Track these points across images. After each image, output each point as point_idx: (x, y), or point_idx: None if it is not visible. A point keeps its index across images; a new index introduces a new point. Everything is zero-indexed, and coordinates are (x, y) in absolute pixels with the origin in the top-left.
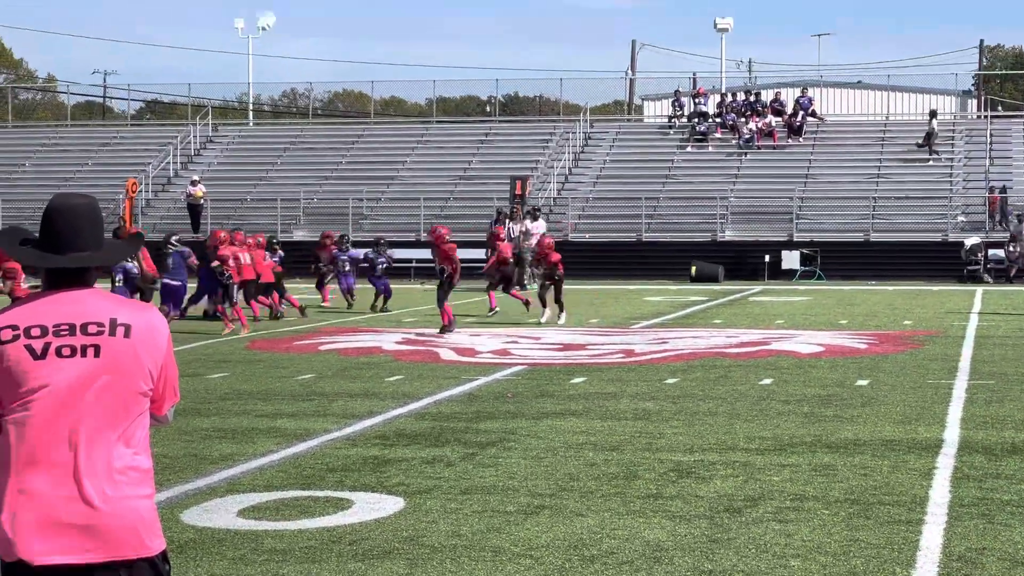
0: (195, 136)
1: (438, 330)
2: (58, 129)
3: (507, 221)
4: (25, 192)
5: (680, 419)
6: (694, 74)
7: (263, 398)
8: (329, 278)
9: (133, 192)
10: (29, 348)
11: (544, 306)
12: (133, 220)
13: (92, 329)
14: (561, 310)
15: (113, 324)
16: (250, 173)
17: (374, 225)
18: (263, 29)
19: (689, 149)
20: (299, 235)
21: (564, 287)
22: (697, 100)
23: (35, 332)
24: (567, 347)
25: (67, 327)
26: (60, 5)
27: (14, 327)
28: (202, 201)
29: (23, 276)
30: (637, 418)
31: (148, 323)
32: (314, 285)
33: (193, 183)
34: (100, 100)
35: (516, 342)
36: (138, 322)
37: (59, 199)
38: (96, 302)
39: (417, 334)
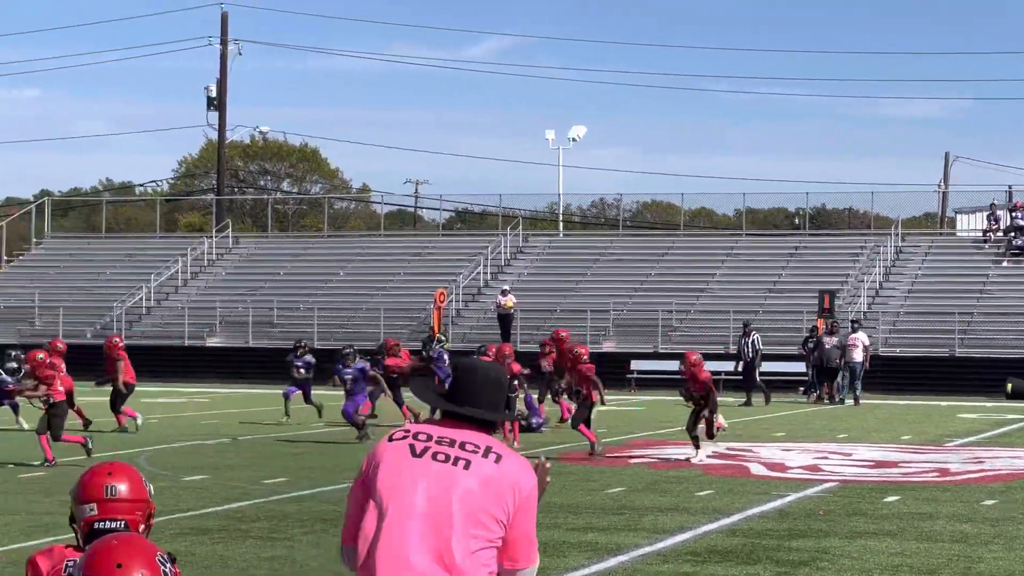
0: (505, 246)
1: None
2: (371, 238)
3: (817, 334)
4: (339, 300)
5: (999, 543)
6: (1010, 187)
7: (573, 511)
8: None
9: (442, 302)
10: (411, 447)
11: (695, 445)
12: (443, 330)
13: (469, 447)
14: (708, 433)
15: (488, 450)
16: (560, 283)
17: (683, 337)
18: (573, 140)
19: (1005, 264)
20: (607, 347)
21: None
22: (1014, 214)
23: (421, 437)
24: (879, 464)
25: (448, 440)
26: (375, 118)
27: (405, 431)
28: (512, 311)
29: (58, 382)
30: (954, 540)
31: (521, 465)
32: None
33: (503, 293)
34: (412, 209)
35: (826, 458)
36: (511, 460)
37: (466, 360)
38: (483, 435)
39: (727, 448)
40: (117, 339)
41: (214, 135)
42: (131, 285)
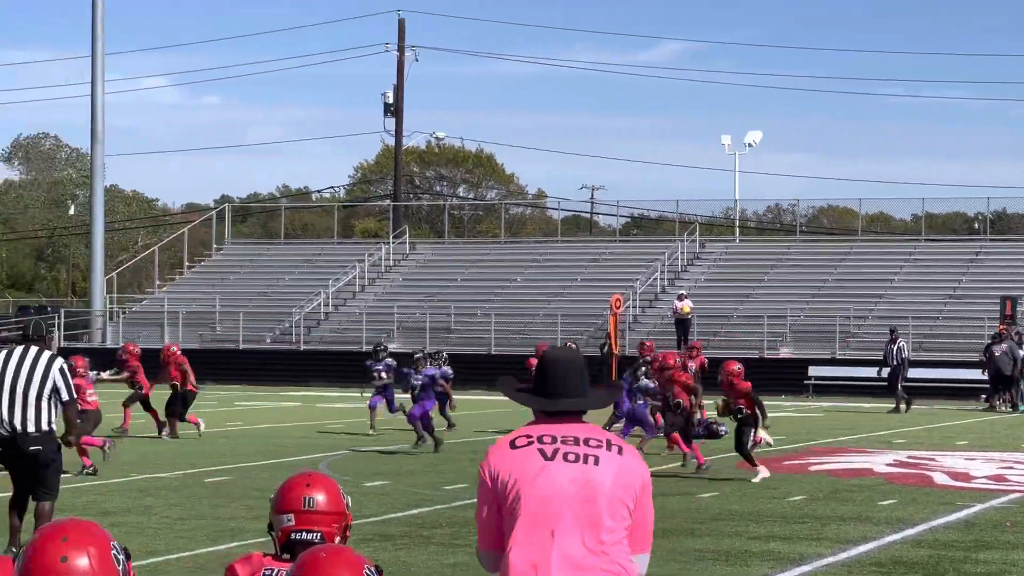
0: (682, 252)
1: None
2: (548, 244)
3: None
4: (516, 306)
5: None
6: None
7: (755, 519)
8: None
9: (618, 308)
10: (541, 452)
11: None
12: (619, 336)
13: (592, 443)
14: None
15: (609, 443)
16: (737, 289)
17: (860, 343)
18: (750, 145)
19: None
20: (784, 352)
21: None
22: None
23: (546, 439)
24: None
25: (572, 439)
26: (550, 123)
27: (528, 436)
28: (689, 316)
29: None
30: None
31: (638, 455)
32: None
33: (680, 298)
34: (588, 215)
35: (1011, 467)
36: (630, 451)
37: (549, 351)
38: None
39: (908, 456)
40: (176, 347)
41: (391, 141)
42: (309, 291)
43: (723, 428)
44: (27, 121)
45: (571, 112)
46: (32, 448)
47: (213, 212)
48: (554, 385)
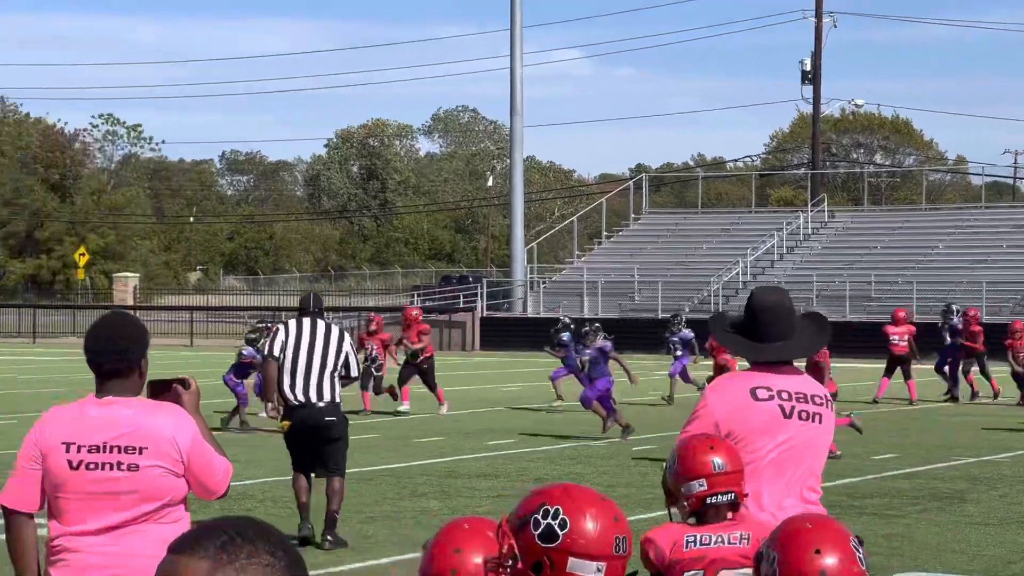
0: None
1: None
2: (970, 210)
3: None
4: (937, 273)
5: None
6: None
7: None
8: None
9: None
10: (781, 408)
11: None
12: None
13: (818, 400)
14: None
15: (827, 400)
16: None
17: None
18: None
19: None
20: None
21: None
22: None
23: (784, 395)
24: None
25: (802, 396)
26: (970, 87)
27: (768, 388)
28: None
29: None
30: None
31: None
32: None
33: None
34: (1010, 180)
35: None
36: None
37: (760, 295)
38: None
39: None
40: (416, 310)
41: (807, 109)
42: (727, 260)
43: None
44: (447, 95)
45: (991, 75)
46: (327, 419)
47: (630, 182)
48: (774, 331)
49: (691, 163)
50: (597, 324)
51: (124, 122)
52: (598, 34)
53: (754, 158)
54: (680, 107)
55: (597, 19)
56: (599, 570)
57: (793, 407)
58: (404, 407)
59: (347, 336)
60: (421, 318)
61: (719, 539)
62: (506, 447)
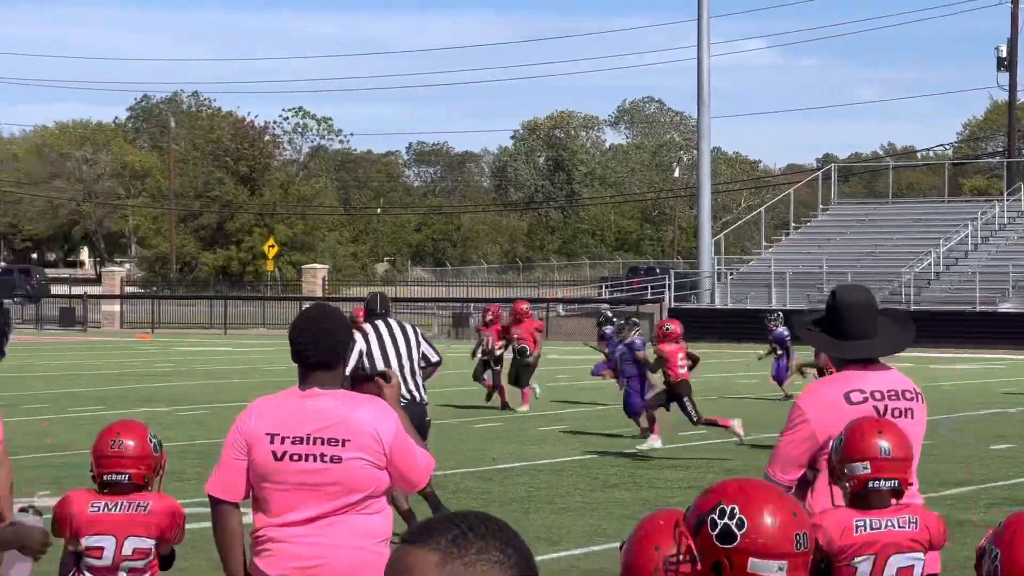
0: None
1: None
2: None
3: None
4: None
5: None
6: None
7: None
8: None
9: None
10: (876, 409)
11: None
12: None
13: (908, 396)
14: None
15: (918, 394)
16: None
17: None
18: None
19: None
20: None
21: None
22: None
23: (877, 395)
24: None
25: (892, 393)
26: None
27: (861, 390)
28: None
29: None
30: None
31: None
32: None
33: None
34: None
35: None
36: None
37: (844, 293)
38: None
39: None
40: (526, 304)
41: (1001, 96)
42: (919, 250)
43: None
44: (632, 86)
45: None
46: (427, 418)
47: (818, 172)
48: (857, 328)
49: (880, 152)
50: (635, 319)
51: (315, 115)
52: (782, 24)
53: (946, 147)
54: (867, 96)
55: (781, 8)
56: (781, 569)
57: (887, 406)
58: (523, 408)
59: (418, 329)
60: (532, 313)
61: (889, 523)
62: (696, 438)
